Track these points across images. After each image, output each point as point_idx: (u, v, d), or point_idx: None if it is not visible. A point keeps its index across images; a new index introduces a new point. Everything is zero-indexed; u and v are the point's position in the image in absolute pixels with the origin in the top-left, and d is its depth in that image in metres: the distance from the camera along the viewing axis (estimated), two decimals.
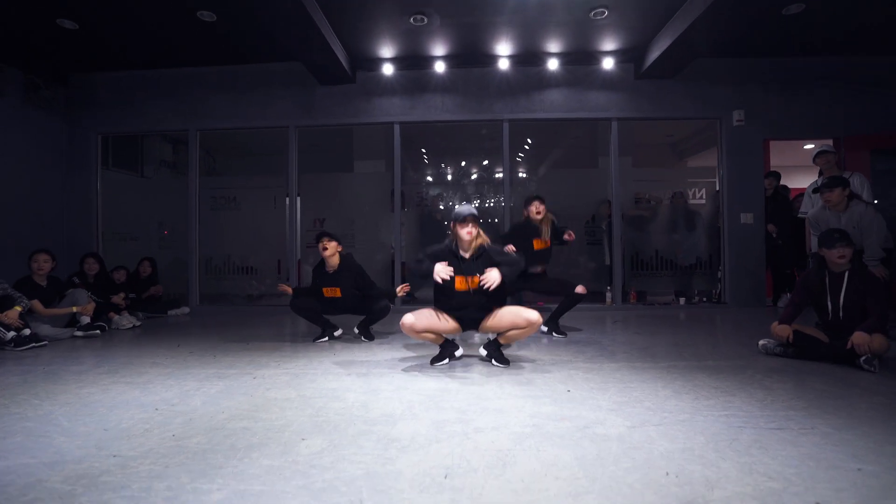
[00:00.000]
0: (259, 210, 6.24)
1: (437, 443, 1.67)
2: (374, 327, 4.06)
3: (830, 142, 5.55)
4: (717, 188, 5.90)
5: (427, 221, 6.29)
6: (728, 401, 2.11)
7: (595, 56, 5.66)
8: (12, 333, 3.53)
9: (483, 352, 2.96)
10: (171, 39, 5.32)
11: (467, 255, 2.88)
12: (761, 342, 3.11)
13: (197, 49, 5.55)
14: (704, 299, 5.90)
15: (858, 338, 2.61)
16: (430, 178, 6.92)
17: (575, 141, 8.17)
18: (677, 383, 2.41)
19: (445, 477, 1.41)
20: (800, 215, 4.84)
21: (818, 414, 1.93)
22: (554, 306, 3.95)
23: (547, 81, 5.81)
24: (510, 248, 3.58)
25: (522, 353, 3.21)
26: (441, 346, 2.92)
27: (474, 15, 4.81)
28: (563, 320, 4.05)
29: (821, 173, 4.52)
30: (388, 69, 5.76)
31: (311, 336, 3.89)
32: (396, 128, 5.90)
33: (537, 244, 3.87)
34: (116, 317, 4.59)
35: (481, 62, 5.76)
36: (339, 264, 3.76)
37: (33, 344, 3.58)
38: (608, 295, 5.80)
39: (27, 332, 3.61)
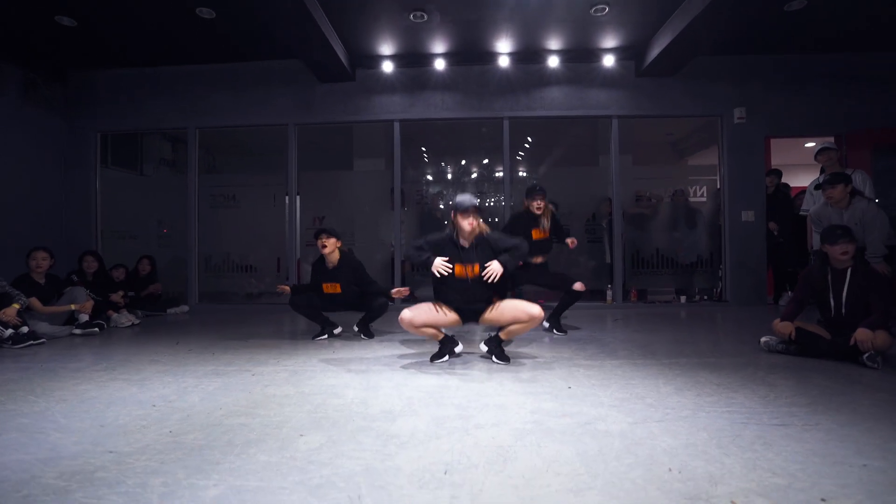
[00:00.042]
0: (258, 208, 6.21)
1: (436, 439, 1.65)
2: (374, 325, 4.04)
3: (832, 139, 5.53)
4: (718, 186, 5.88)
5: (427, 220, 6.27)
6: (731, 397, 2.09)
7: (595, 53, 5.64)
8: (10, 331, 3.51)
9: (484, 348, 2.94)
10: (170, 37, 5.30)
11: (466, 244, 2.87)
12: (763, 339, 3.09)
13: (196, 46, 5.53)
14: (705, 297, 5.88)
15: (861, 334, 2.59)
16: (430, 177, 6.89)
17: (575, 139, 8.15)
18: (679, 380, 2.39)
19: (445, 473, 1.39)
20: (801, 213, 4.82)
21: (822, 410, 1.91)
22: (554, 304, 3.92)
23: (547, 79, 5.79)
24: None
25: (523, 350, 3.19)
26: (441, 342, 2.90)
27: (474, 11, 4.79)
28: (563, 318, 4.03)
29: (822, 171, 4.50)
30: (387, 67, 5.74)
31: (311, 334, 3.87)
32: (396, 125, 5.88)
33: (536, 234, 3.82)
34: (115, 315, 4.57)
35: (481, 59, 5.74)
36: (339, 260, 3.75)
37: (31, 342, 3.56)
38: (609, 293, 5.78)
39: (25, 329, 3.60)
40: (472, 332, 3.96)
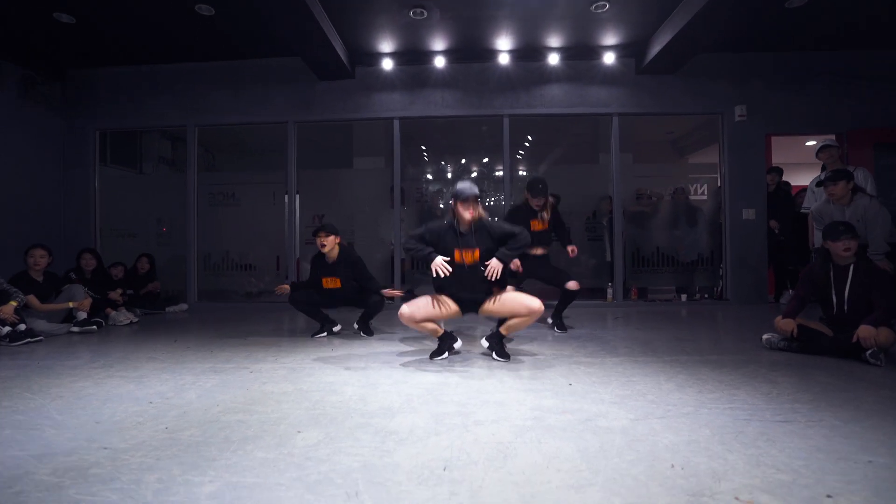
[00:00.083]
0: (258, 207, 6.19)
1: (436, 435, 1.63)
2: (375, 323, 4.02)
3: (833, 137, 5.50)
4: (719, 184, 5.86)
5: (427, 218, 6.24)
6: (733, 394, 2.07)
7: (596, 51, 5.62)
8: (7, 328, 3.49)
9: (485, 343, 2.92)
10: (169, 34, 5.28)
11: (466, 230, 2.83)
12: (765, 336, 3.07)
13: (195, 44, 5.51)
14: (706, 296, 5.86)
15: (864, 331, 2.57)
16: (430, 177, 6.87)
17: (575, 138, 8.13)
18: (680, 377, 2.37)
19: (444, 469, 1.37)
20: (802, 210, 4.80)
21: (825, 407, 1.89)
22: (552, 301, 3.89)
23: (547, 76, 5.77)
24: (516, 262, 3.54)
25: (523, 347, 3.17)
26: (440, 338, 2.88)
27: (474, 9, 4.77)
28: (565, 318, 4.01)
29: (824, 168, 4.48)
30: (387, 64, 5.72)
31: (310, 332, 3.85)
32: (396, 123, 5.86)
33: (535, 225, 3.79)
34: (113, 313, 4.56)
35: (481, 57, 5.72)
36: (339, 255, 3.72)
37: (28, 339, 3.54)
38: (609, 291, 5.76)
39: (22, 327, 3.58)
40: (472, 329, 3.95)
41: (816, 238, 4.13)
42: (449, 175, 7.33)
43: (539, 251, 3.85)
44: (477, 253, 2.78)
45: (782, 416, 1.79)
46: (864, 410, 1.85)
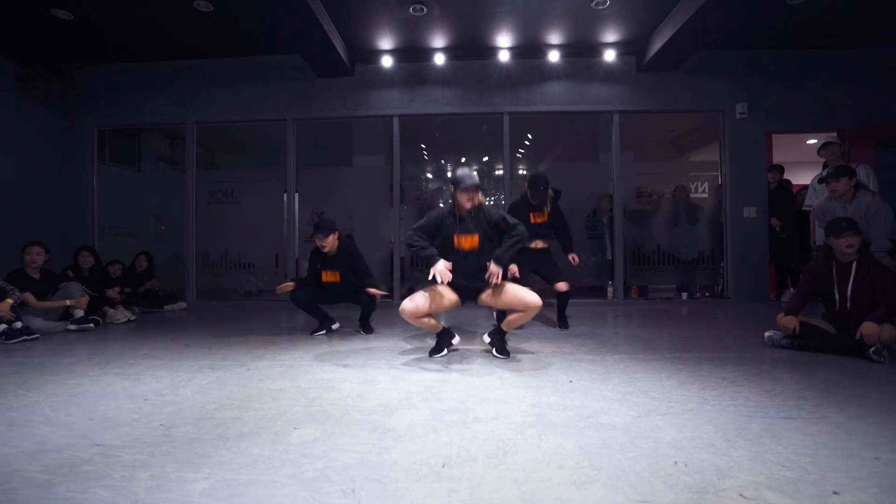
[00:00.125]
0: (257, 205, 6.16)
1: (434, 432, 1.61)
2: (375, 322, 3.98)
3: (835, 134, 5.47)
4: (720, 182, 5.83)
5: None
6: (735, 391, 2.04)
7: (596, 48, 5.59)
8: (3, 326, 3.47)
9: (486, 339, 2.90)
10: (167, 31, 5.24)
11: (465, 215, 2.79)
12: (767, 334, 3.05)
13: (194, 41, 5.48)
14: (707, 294, 5.83)
15: (868, 328, 2.55)
16: (430, 175, 6.84)
17: (576, 137, 8.10)
18: (682, 374, 2.35)
19: (443, 466, 1.34)
20: (804, 208, 4.77)
21: (829, 404, 1.86)
22: (550, 300, 3.86)
23: (548, 74, 5.74)
24: (513, 268, 3.51)
25: (523, 345, 3.15)
26: (438, 335, 2.85)
27: (474, 5, 4.74)
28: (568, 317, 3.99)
29: (825, 166, 4.45)
30: (387, 61, 5.69)
31: (309, 330, 3.82)
32: (395, 121, 5.83)
33: (534, 217, 3.75)
34: (111, 311, 4.53)
35: (481, 54, 5.69)
36: (338, 248, 3.68)
37: (25, 337, 3.51)
38: (609, 290, 5.73)
39: (19, 324, 3.55)
40: (472, 325, 3.92)
41: (818, 236, 4.10)
42: (449, 174, 7.31)
43: (539, 244, 3.82)
44: (476, 238, 2.74)
45: (786, 412, 1.77)
46: (869, 407, 1.83)
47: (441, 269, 2.65)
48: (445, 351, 2.85)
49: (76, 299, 4.08)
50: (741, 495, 1.15)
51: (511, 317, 2.74)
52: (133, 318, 4.63)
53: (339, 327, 3.83)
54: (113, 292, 4.73)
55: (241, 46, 5.64)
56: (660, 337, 3.43)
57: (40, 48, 5.47)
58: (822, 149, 4.32)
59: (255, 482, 1.26)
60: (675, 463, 1.34)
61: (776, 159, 5.99)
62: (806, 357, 2.70)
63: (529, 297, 2.66)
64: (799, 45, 5.57)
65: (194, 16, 4.84)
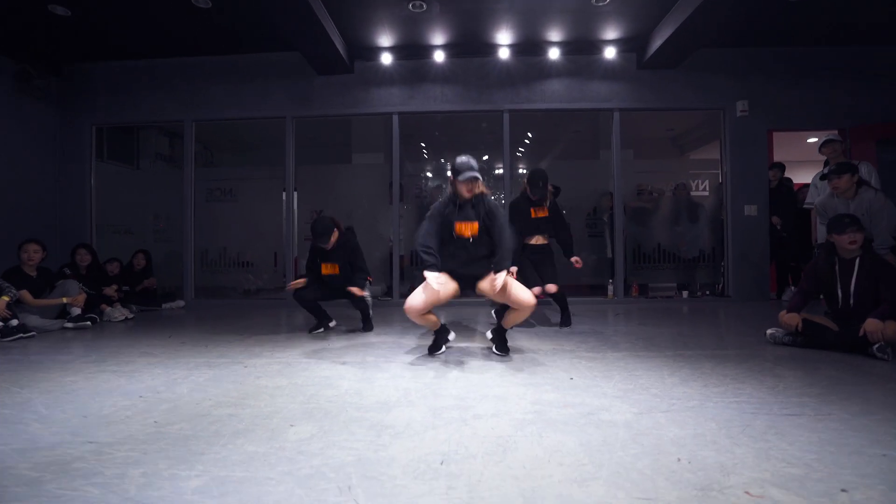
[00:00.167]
0: (256, 203, 6.14)
1: (433, 429, 1.58)
2: (374, 319, 3.94)
3: (836, 132, 5.45)
4: (720, 180, 5.80)
5: (426, 214, 6.19)
6: (738, 388, 2.02)
7: (597, 45, 5.57)
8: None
9: (488, 335, 2.88)
10: (165, 27, 5.21)
11: (465, 203, 2.74)
12: (769, 331, 3.02)
13: (192, 38, 5.45)
14: (707, 292, 5.81)
15: (871, 325, 2.52)
16: (429, 174, 6.82)
17: (575, 135, 8.08)
18: (684, 371, 2.32)
19: (442, 463, 1.32)
20: (805, 206, 4.75)
21: (834, 401, 1.84)
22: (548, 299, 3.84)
23: (548, 71, 5.71)
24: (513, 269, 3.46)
25: (523, 342, 3.12)
26: (436, 332, 2.83)
27: (474, 2, 4.71)
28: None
29: (826, 164, 4.43)
30: (386, 59, 5.67)
31: (307, 328, 3.79)
32: (395, 118, 5.80)
33: (535, 212, 3.72)
34: (108, 309, 4.50)
35: (481, 51, 5.66)
36: (337, 241, 3.66)
37: (21, 335, 3.49)
38: (610, 288, 5.71)
39: (15, 322, 3.52)
40: (472, 322, 3.90)
41: (820, 233, 4.07)
42: (448, 173, 7.28)
43: (540, 241, 3.79)
44: (476, 226, 2.69)
45: (790, 409, 1.74)
46: (874, 404, 1.80)
47: (431, 277, 2.55)
48: (444, 348, 2.83)
49: (73, 297, 4.06)
50: (747, 493, 1.12)
51: (509, 316, 2.71)
52: (131, 316, 4.60)
53: (336, 325, 3.81)
54: (110, 290, 4.71)
55: (239, 44, 5.61)
56: (661, 335, 3.40)
57: (38, 45, 5.44)
58: (823, 146, 4.29)
59: (249, 479, 1.24)
60: (678, 460, 1.31)
61: (776, 158, 5.97)
62: (808, 354, 2.68)
63: (524, 295, 2.61)
64: (800, 42, 5.54)
65: (193, 13, 4.81)
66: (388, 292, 5.82)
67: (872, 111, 5.48)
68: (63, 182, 5.95)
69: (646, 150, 8.28)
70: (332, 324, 3.76)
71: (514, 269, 3.48)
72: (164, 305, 5.40)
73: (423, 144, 7.64)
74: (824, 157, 4.48)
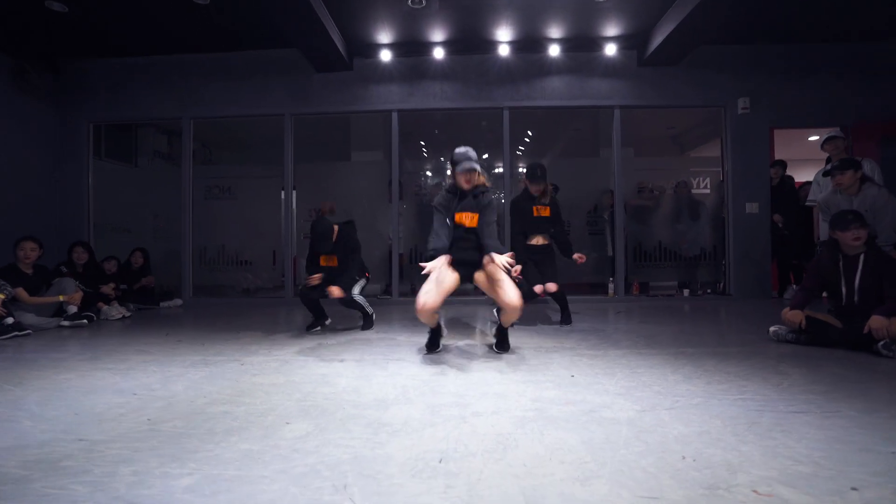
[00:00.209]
0: (255, 201, 6.10)
1: (431, 427, 1.55)
2: (375, 318, 3.90)
3: (838, 129, 5.41)
4: (722, 177, 5.77)
5: (426, 212, 6.15)
6: (742, 385, 1.98)
7: (597, 42, 5.53)
8: None
9: (489, 332, 2.84)
10: (163, 24, 5.18)
11: (466, 193, 2.73)
12: (772, 329, 2.99)
13: (191, 35, 5.42)
14: (709, 291, 5.77)
15: (876, 322, 2.49)
16: (429, 173, 6.77)
17: (576, 133, 8.04)
18: (687, 368, 2.29)
19: (440, 461, 1.28)
20: (808, 203, 4.72)
21: (840, 398, 1.80)
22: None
23: (548, 68, 5.68)
24: (515, 266, 3.44)
25: (524, 340, 3.08)
26: (434, 330, 2.78)
27: None
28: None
29: (828, 160, 4.40)
30: (385, 55, 5.63)
31: (305, 326, 3.76)
32: (394, 116, 5.77)
33: (537, 211, 3.70)
34: (105, 307, 4.47)
35: (481, 48, 5.62)
36: (337, 234, 3.64)
37: (16, 333, 3.45)
38: (610, 286, 5.67)
39: (10, 320, 3.48)
40: (472, 320, 3.86)
41: (822, 230, 4.04)
42: (448, 172, 7.24)
43: (541, 241, 3.76)
44: (477, 217, 2.68)
45: (796, 406, 1.71)
46: (881, 401, 1.77)
47: (431, 264, 2.50)
48: (441, 346, 2.79)
49: (69, 295, 4.03)
50: (755, 491, 1.09)
51: (504, 317, 2.67)
52: (128, 314, 4.57)
53: (334, 323, 3.78)
54: (108, 288, 4.67)
55: (238, 41, 5.58)
56: (662, 333, 3.37)
57: (35, 42, 5.40)
58: (825, 143, 4.26)
59: (242, 477, 1.20)
60: (683, 458, 1.28)
61: (778, 157, 5.94)
62: (812, 352, 2.64)
63: (510, 295, 2.53)
64: (802, 39, 5.51)
65: (191, 10, 4.78)
66: (387, 290, 5.78)
67: (875, 109, 5.45)
68: (60, 180, 5.91)
69: (646, 148, 8.23)
70: (327, 322, 3.72)
71: (518, 267, 3.47)
72: (161, 304, 5.37)
73: (422, 143, 7.60)
74: (826, 155, 4.46)
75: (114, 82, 5.95)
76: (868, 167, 4.04)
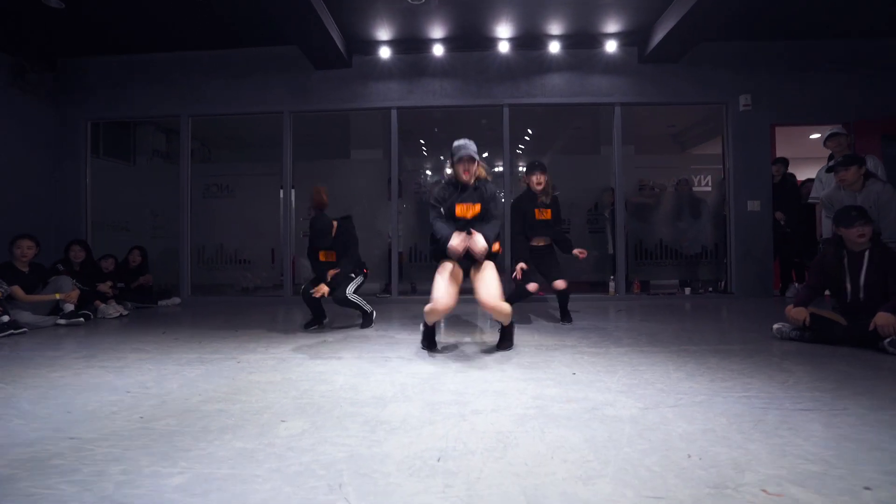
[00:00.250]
0: (253, 199, 6.06)
1: (430, 425, 1.51)
2: (374, 316, 3.87)
3: (840, 126, 5.37)
4: (723, 175, 5.73)
5: (425, 210, 6.11)
6: (747, 383, 1.95)
7: (598, 39, 5.49)
8: None
9: (490, 330, 2.82)
10: (162, 21, 5.13)
11: (467, 184, 2.70)
12: (776, 326, 2.95)
13: (189, 32, 5.38)
14: (710, 289, 5.73)
15: (882, 319, 2.45)
16: (429, 172, 6.74)
17: (576, 131, 8.01)
18: (690, 366, 2.25)
19: (438, 460, 1.25)
20: (810, 201, 4.68)
21: (847, 395, 1.77)
22: (552, 295, 3.79)
23: (548, 65, 5.63)
24: (521, 266, 3.47)
25: (524, 338, 3.05)
26: (431, 328, 2.75)
27: None
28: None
29: (830, 157, 4.36)
30: (385, 52, 5.59)
31: (303, 324, 3.72)
32: (394, 113, 5.73)
33: (539, 213, 3.69)
34: (103, 305, 4.43)
35: (481, 45, 5.58)
36: (336, 229, 3.60)
37: (12, 331, 3.42)
38: (611, 285, 5.63)
39: (5, 318, 3.45)
40: (473, 318, 3.83)
41: (825, 228, 4.00)
42: (448, 171, 7.20)
43: (542, 242, 3.75)
44: (478, 207, 2.65)
45: (802, 404, 1.67)
46: (889, 399, 1.73)
47: (455, 244, 2.50)
48: (436, 343, 2.76)
49: (66, 293, 3.99)
50: (763, 491, 1.06)
51: (497, 316, 2.64)
52: (125, 313, 4.54)
53: (332, 322, 3.74)
54: (105, 286, 4.64)
55: (236, 37, 5.53)
56: (664, 331, 3.33)
57: (32, 39, 5.36)
58: (828, 139, 4.22)
59: (234, 476, 1.17)
60: (689, 456, 1.24)
61: (779, 155, 5.90)
62: (816, 349, 2.61)
63: (486, 295, 2.50)
64: (804, 36, 5.47)
65: (190, 6, 4.74)
66: (387, 289, 5.74)
67: (877, 105, 5.41)
68: (58, 177, 5.87)
69: (647, 146, 8.20)
70: (325, 321, 3.69)
71: (521, 265, 3.46)
72: (159, 303, 5.33)
73: (422, 141, 7.56)
74: (828, 152, 4.42)
75: (112, 80, 5.91)
76: (871, 163, 4.00)
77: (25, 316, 3.77)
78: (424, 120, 6.83)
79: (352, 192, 6.00)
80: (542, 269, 3.75)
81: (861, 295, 2.69)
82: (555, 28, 5.32)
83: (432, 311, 2.51)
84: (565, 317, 3.73)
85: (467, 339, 3.04)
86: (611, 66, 5.63)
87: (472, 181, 2.70)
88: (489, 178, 2.76)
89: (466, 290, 2.77)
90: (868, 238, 2.70)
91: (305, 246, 5.48)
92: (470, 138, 2.80)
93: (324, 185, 6.02)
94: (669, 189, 5.86)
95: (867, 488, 1.06)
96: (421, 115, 6.22)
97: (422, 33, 5.41)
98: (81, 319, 3.99)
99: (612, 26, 5.31)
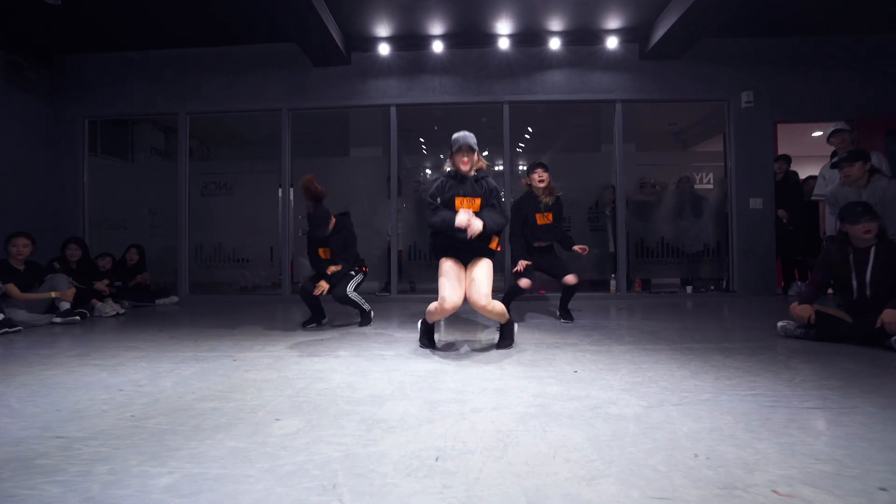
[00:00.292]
0: (252, 197, 6.02)
1: (428, 423, 1.47)
2: (373, 315, 3.83)
3: (843, 123, 5.33)
4: (725, 173, 5.68)
5: (424, 208, 6.07)
6: (753, 381, 1.91)
7: (598, 35, 5.44)
8: None
9: (491, 328, 2.79)
10: (160, 18, 5.09)
11: (467, 177, 2.66)
12: (780, 324, 2.91)
13: (187, 29, 5.34)
14: (712, 287, 5.69)
15: (889, 316, 2.41)
16: (428, 171, 6.69)
17: (576, 129, 7.96)
18: (693, 364, 2.21)
19: (437, 459, 1.21)
20: (813, 198, 4.63)
21: (856, 393, 1.73)
22: (555, 293, 3.76)
23: (548, 62, 5.59)
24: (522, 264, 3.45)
25: (525, 336, 3.01)
26: (431, 326, 2.71)
27: None
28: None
29: (833, 154, 4.32)
30: (384, 49, 5.55)
31: (301, 322, 3.68)
32: (393, 110, 5.68)
33: (541, 218, 3.67)
34: (99, 304, 4.39)
35: (480, 42, 5.54)
36: (335, 224, 3.57)
37: (7, 329, 3.38)
38: (612, 283, 5.59)
39: (0, 317, 3.41)
40: (472, 315, 3.79)
41: (828, 225, 3.96)
42: (447, 169, 7.15)
43: (542, 243, 3.73)
44: (479, 201, 2.61)
45: (810, 402, 1.63)
46: None
47: (462, 219, 2.42)
48: (434, 342, 2.72)
49: (62, 291, 3.95)
50: (775, 491, 1.01)
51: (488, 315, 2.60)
52: (122, 311, 4.50)
53: (331, 320, 3.71)
54: (101, 285, 4.60)
55: (234, 34, 5.49)
56: (666, 329, 3.29)
57: (29, 36, 5.33)
58: (832, 136, 4.18)
59: (225, 477, 1.13)
60: (696, 456, 1.20)
61: (781, 152, 5.85)
62: (822, 347, 2.57)
63: (475, 295, 2.47)
64: (806, 32, 5.42)
65: (188, 3, 4.70)
66: (386, 287, 5.70)
67: (880, 102, 5.36)
68: (55, 176, 5.83)
69: (648, 145, 8.16)
70: (324, 320, 3.65)
71: (523, 262, 3.43)
72: (157, 301, 5.29)
73: (421, 139, 7.52)
74: (831, 149, 4.38)
75: (110, 78, 5.87)
76: (876, 159, 3.96)
77: (20, 314, 3.73)
78: (424, 118, 6.79)
79: (351, 190, 5.96)
80: (545, 267, 3.73)
81: (867, 292, 2.65)
82: (555, 24, 5.28)
83: (440, 310, 2.48)
84: (565, 314, 3.69)
85: (467, 338, 3.00)
86: (612, 63, 5.58)
87: (472, 172, 2.65)
88: (487, 172, 2.71)
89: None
90: (874, 234, 2.66)
91: (304, 244, 5.45)
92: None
93: (323, 182, 6.00)
94: (671, 187, 5.81)
95: (882, 489, 1.02)
96: (420, 112, 6.18)
97: (421, 30, 5.37)
98: (77, 318, 3.95)
99: (612, 22, 5.27)
